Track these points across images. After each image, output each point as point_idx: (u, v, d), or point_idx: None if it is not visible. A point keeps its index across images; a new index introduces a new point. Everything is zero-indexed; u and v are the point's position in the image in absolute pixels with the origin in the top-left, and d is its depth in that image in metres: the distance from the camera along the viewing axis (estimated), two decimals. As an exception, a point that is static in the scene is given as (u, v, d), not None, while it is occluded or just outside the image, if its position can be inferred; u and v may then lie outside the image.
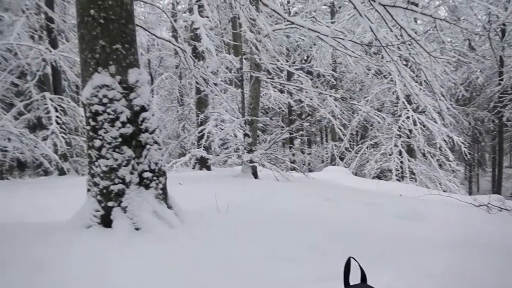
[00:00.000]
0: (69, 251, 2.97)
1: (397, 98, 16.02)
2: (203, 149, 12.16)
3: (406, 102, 15.60)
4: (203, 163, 13.20)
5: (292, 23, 5.35)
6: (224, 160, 13.87)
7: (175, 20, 14.19)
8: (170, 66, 18.63)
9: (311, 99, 11.21)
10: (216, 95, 10.30)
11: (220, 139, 11.50)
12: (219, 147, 12.36)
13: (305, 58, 20.86)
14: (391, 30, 5.56)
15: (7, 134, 10.69)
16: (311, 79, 15.36)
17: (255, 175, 9.88)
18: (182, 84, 15.77)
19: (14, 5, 13.75)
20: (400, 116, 16.00)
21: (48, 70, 13.35)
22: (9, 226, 3.63)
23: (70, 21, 16.14)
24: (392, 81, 15.59)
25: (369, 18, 4.97)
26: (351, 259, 1.72)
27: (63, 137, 11.89)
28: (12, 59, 14.51)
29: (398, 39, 5.39)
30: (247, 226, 4.10)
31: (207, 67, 11.73)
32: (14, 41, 11.69)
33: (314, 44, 17.67)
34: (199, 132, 12.83)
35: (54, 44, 13.33)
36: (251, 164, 9.66)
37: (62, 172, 12.45)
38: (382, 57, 6.92)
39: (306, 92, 11.61)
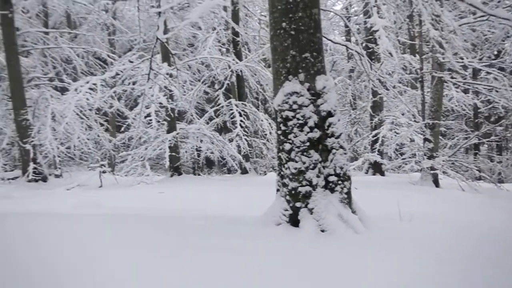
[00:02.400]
0: (264, 243, 3.25)
1: None
2: (377, 154, 11.83)
3: None
4: (376, 168, 12.85)
5: (494, 16, 4.74)
6: (399, 166, 13.25)
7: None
8: (343, 70, 18.68)
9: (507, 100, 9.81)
10: (393, 97, 9.89)
11: (396, 144, 10.99)
12: (394, 152, 11.85)
13: (495, 53, 18.33)
14: None
15: (202, 136, 12.30)
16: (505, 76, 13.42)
17: (436, 183, 9.15)
18: (355, 87, 15.66)
19: (207, 24, 15.74)
20: None
21: (234, 79, 14.85)
22: (214, 218, 4.16)
23: (251, 34, 17.66)
24: None
25: None
26: None
27: (245, 139, 13.07)
28: (205, 70, 16.60)
29: None
30: (435, 240, 3.81)
31: (381, 70, 11.37)
32: (208, 55, 13.35)
33: (508, 37, 15.39)
34: (373, 136, 12.54)
35: (238, 55, 14.77)
36: (432, 172, 8.99)
37: (244, 171, 13.67)
38: None
39: (497, 91, 10.22)
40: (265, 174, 13.40)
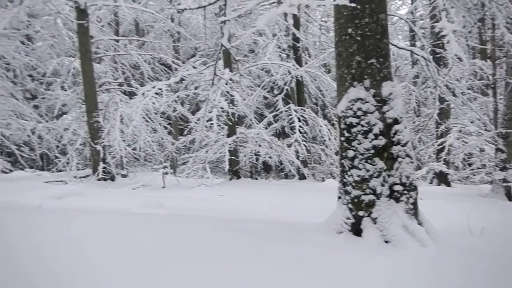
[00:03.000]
0: (327, 252, 3.22)
1: None
2: (443, 163, 11.28)
3: None
4: (442, 178, 12.24)
5: None
6: (467, 177, 12.54)
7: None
8: (406, 76, 18.05)
9: None
10: (461, 104, 9.40)
11: (464, 153, 10.43)
12: (462, 162, 11.24)
13: None
14: None
15: (260, 141, 12.42)
16: None
17: (508, 196, 8.56)
18: (419, 93, 15.08)
19: (267, 30, 15.90)
20: None
21: (293, 84, 14.85)
22: (274, 223, 4.19)
23: (311, 39, 17.60)
24: None
25: None
26: None
27: (304, 145, 13.02)
28: (265, 76, 16.75)
29: None
30: (510, 258, 3.56)
31: (449, 76, 10.85)
32: (268, 61, 13.49)
33: None
34: (438, 145, 11.98)
35: (299, 61, 14.77)
36: (504, 184, 8.42)
37: (302, 177, 13.61)
38: None
39: None
40: (323, 181, 13.24)
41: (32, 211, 4.09)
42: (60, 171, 14.11)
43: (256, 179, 16.67)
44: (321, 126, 13.88)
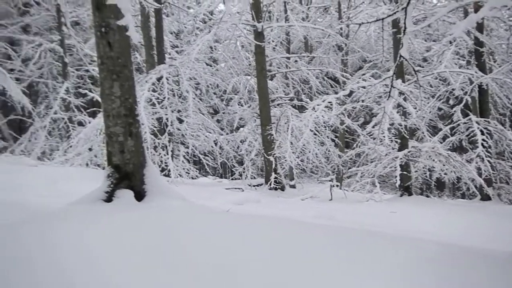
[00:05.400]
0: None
1: None
2: None
3: None
4: None
5: None
6: None
7: None
8: None
9: None
10: None
11: None
12: None
13: None
14: None
15: (435, 156, 11.49)
16: None
17: None
18: None
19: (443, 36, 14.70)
20: None
21: (475, 93, 13.37)
22: (455, 247, 3.82)
23: (496, 42, 15.63)
24: None
25: None
26: None
27: (488, 161, 11.57)
28: (440, 85, 15.54)
29: None
30: None
31: None
32: (446, 69, 12.48)
33: None
34: None
35: (482, 67, 13.23)
36: None
37: (485, 197, 12.09)
38: None
39: None
40: (512, 203, 11.53)
41: (224, 215, 4.59)
42: (235, 179, 15.56)
43: (428, 196, 15.49)
44: (510, 140, 12.14)
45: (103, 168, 12.89)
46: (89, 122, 13.70)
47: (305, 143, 12.16)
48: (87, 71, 17.53)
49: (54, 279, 2.41)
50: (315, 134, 13.60)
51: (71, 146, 12.74)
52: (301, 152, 13.20)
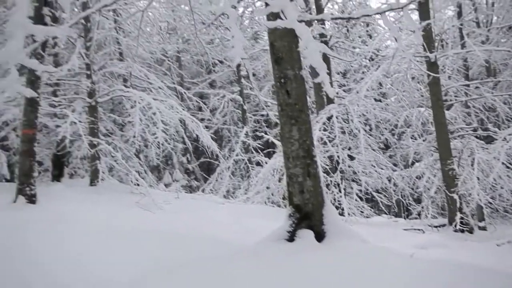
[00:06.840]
0: None
1: None
2: None
3: None
4: None
5: None
6: None
7: None
8: None
9: None
10: None
11: None
12: None
13: None
14: None
15: None
16: None
17: None
18: None
19: None
20: None
21: None
22: None
23: None
24: None
25: None
26: None
27: None
28: None
29: None
30: None
31: None
32: None
33: None
34: None
35: None
36: None
37: None
38: None
39: None
40: None
41: (410, 261, 4.32)
42: (412, 218, 14.48)
43: None
44: None
45: (279, 206, 13.69)
46: (266, 162, 14.76)
47: (496, 177, 10.69)
48: (262, 115, 19.13)
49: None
50: (508, 167, 11.83)
51: (251, 185, 13.88)
52: (491, 188, 11.63)
